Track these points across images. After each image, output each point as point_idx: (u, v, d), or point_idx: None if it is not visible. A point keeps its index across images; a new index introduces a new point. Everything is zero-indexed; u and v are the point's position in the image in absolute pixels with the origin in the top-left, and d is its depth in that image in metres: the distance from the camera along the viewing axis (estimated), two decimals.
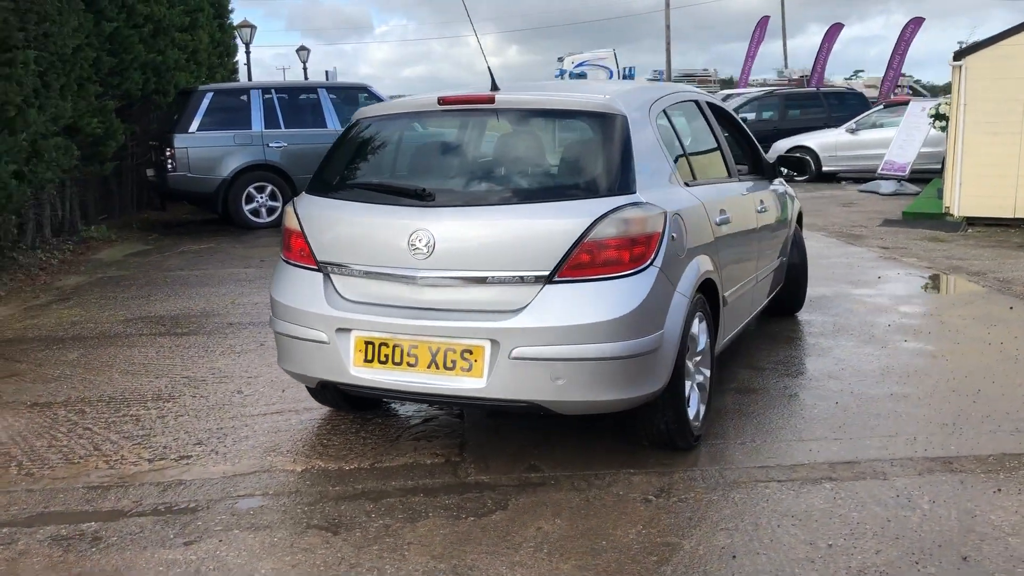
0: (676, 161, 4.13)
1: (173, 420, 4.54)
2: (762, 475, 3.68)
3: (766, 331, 6.01)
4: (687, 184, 4.07)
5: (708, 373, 4.10)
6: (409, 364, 3.60)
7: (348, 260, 3.78)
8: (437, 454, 3.98)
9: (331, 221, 3.88)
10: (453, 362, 3.53)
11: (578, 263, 3.46)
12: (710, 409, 4.22)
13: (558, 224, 3.48)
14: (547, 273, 3.47)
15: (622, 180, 3.59)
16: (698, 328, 3.91)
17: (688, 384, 3.84)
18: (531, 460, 3.89)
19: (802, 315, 6.45)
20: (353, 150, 4.12)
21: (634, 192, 3.58)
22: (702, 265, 3.91)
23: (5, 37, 8.00)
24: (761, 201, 5.07)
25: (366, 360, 3.68)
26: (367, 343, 3.67)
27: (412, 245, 3.61)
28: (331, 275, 3.84)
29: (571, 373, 3.43)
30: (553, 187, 3.67)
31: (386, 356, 3.63)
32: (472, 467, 3.83)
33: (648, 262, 3.51)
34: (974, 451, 3.87)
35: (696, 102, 4.79)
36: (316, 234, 3.89)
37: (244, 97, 12.42)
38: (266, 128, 12.28)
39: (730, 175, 4.83)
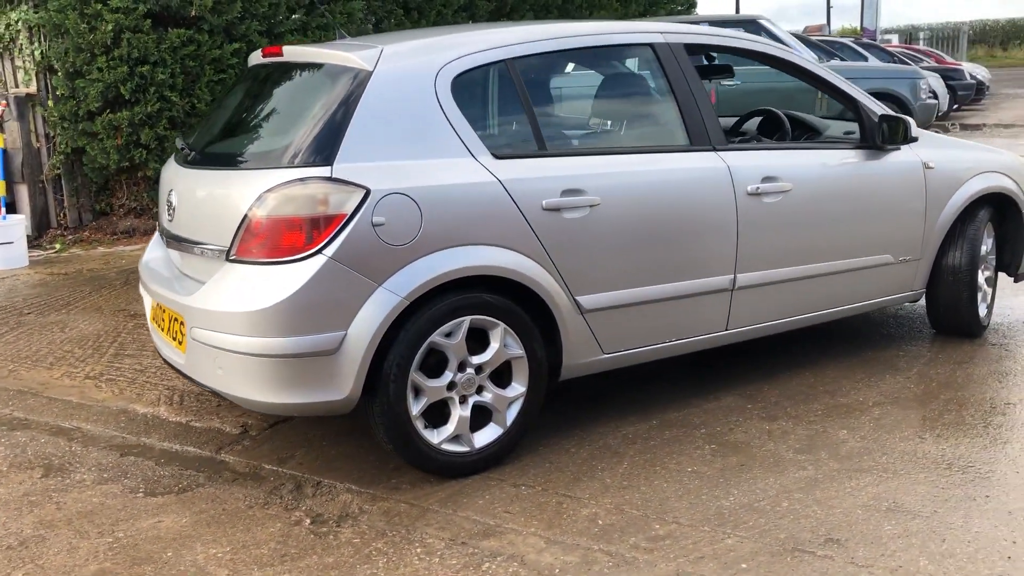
0: (499, 127, 3.33)
1: None
2: (450, 531, 2.92)
3: (871, 354, 4.47)
4: (499, 156, 3.24)
5: (513, 393, 3.30)
6: (163, 331, 3.54)
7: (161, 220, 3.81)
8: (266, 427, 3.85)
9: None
10: (175, 333, 3.39)
11: (249, 242, 3.05)
12: (521, 437, 3.40)
13: (237, 194, 3.10)
14: (226, 249, 3.13)
15: (321, 148, 3.03)
16: (458, 336, 3.15)
17: (422, 401, 3.15)
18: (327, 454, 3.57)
19: (996, 339, 4.63)
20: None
21: (329, 164, 3.00)
22: (476, 258, 3.13)
23: None
24: (765, 179, 3.76)
25: (153, 322, 3.70)
26: (154, 307, 3.68)
27: (167, 205, 3.52)
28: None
29: (227, 364, 3.08)
30: (261, 152, 3.24)
31: (158, 322, 3.61)
32: (265, 447, 3.63)
33: (316, 248, 2.95)
34: None
35: (652, 46, 3.68)
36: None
37: None
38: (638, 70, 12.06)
39: (694, 143, 3.67)
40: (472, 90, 3.34)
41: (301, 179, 2.98)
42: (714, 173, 3.67)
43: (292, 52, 3.50)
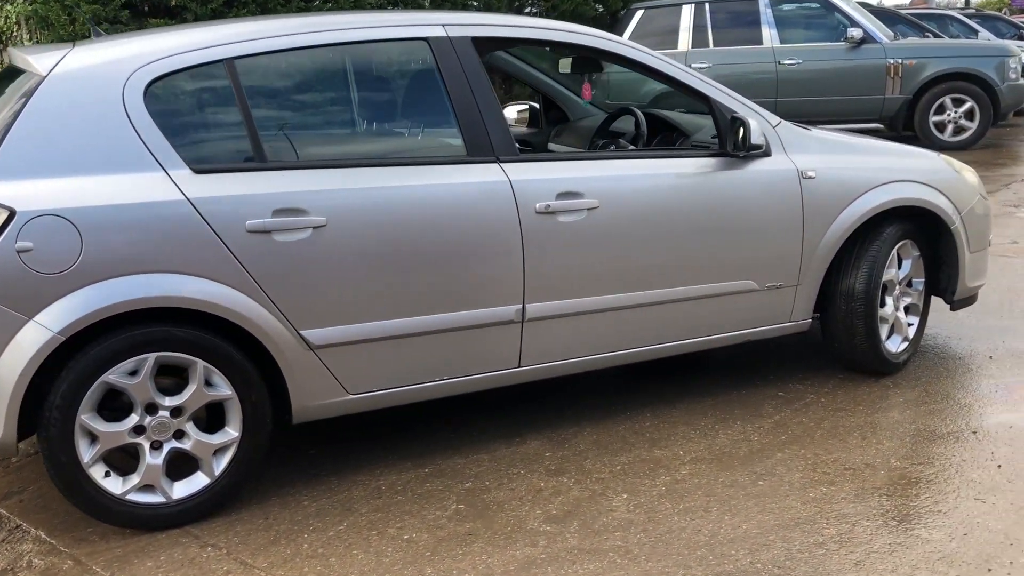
0: (208, 138, 2.94)
1: None
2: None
3: (745, 392, 3.83)
4: (200, 171, 2.85)
5: (222, 439, 2.93)
6: None
7: None
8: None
9: None
10: None
11: None
12: (238, 486, 3.02)
13: None
14: None
15: None
16: (141, 375, 2.80)
17: (96, 447, 2.81)
18: None
19: (911, 378, 3.91)
20: None
21: None
22: (155, 288, 2.75)
23: None
24: (562, 195, 3.22)
25: None
26: None
27: None
28: None
29: None
30: None
31: None
32: (11, 476, 3.42)
33: None
34: None
35: (427, 40, 3.19)
36: None
37: (675, 13, 11.59)
38: (692, 47, 11.33)
39: (471, 153, 3.16)
40: (176, 96, 2.96)
41: None
42: (490, 188, 3.15)
43: (12, 55, 3.22)
